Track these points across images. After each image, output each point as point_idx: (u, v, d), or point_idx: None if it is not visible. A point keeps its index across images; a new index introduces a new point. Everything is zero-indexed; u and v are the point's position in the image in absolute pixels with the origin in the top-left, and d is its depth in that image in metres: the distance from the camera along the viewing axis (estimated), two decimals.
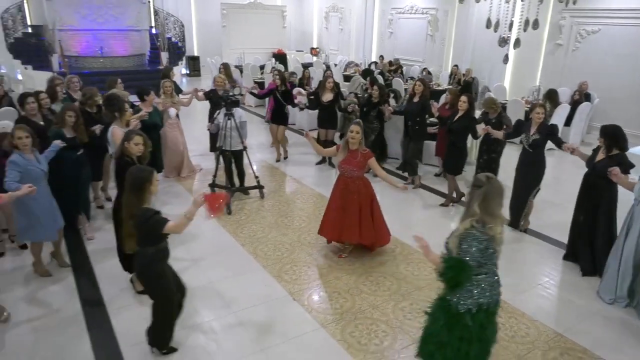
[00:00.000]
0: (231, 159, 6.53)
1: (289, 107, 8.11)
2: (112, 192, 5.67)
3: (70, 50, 14.95)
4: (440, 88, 11.97)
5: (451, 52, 14.10)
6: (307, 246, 5.31)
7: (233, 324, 3.96)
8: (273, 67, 14.92)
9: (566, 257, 5.16)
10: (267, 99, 8.66)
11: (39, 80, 13.51)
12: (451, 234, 2.80)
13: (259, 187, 6.62)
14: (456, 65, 12.63)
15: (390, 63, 14.20)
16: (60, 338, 3.74)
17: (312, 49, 19.65)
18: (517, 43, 6.50)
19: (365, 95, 8.25)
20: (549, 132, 5.42)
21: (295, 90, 8.22)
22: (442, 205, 6.55)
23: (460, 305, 2.76)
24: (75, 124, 5.00)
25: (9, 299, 4.13)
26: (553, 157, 9.12)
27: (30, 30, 15.43)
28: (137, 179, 3.16)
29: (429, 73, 13.47)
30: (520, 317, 4.09)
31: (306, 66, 14.50)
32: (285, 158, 8.43)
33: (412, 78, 13.10)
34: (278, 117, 8.06)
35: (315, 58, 18.34)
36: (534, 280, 4.79)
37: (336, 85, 8.05)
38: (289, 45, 19.52)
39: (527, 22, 6.46)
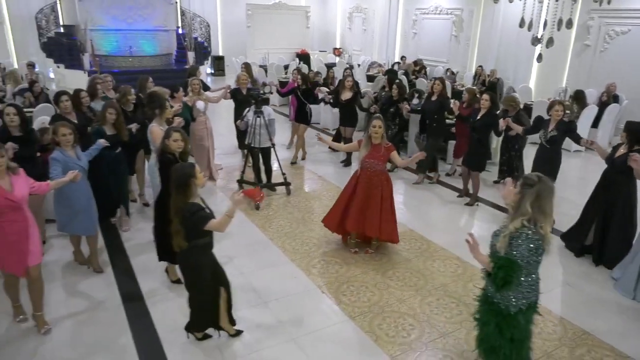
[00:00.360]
0: (259, 155, 6.69)
1: (312, 105, 8.24)
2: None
3: (100, 50, 15.36)
4: (464, 88, 11.94)
5: (475, 53, 14.05)
6: (334, 241, 5.42)
7: (264, 314, 4.10)
8: (297, 67, 15.13)
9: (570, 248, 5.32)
10: (290, 98, 8.76)
11: (70, 78, 13.95)
12: (494, 233, 2.85)
13: (286, 183, 6.76)
14: (480, 66, 12.59)
15: (415, 63, 14.22)
16: (100, 327, 3.92)
17: (335, 49, 19.77)
18: (551, 42, 6.50)
19: (383, 93, 8.34)
20: (567, 129, 5.55)
21: (318, 90, 8.34)
22: (467, 204, 6.59)
23: (511, 306, 2.80)
24: (116, 122, 5.12)
25: (51, 289, 4.32)
26: (579, 159, 9.08)
27: (62, 30, 15.89)
28: (181, 176, 3.20)
29: (453, 74, 13.46)
30: (547, 315, 4.12)
31: (330, 66, 14.63)
32: (303, 159, 8.45)
33: (436, 78, 13.11)
34: (299, 116, 8.20)
35: (338, 58, 18.45)
36: (558, 278, 4.82)
37: (355, 84, 8.17)
38: (311, 45, 19.67)
39: (560, 21, 6.47)
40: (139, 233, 5.52)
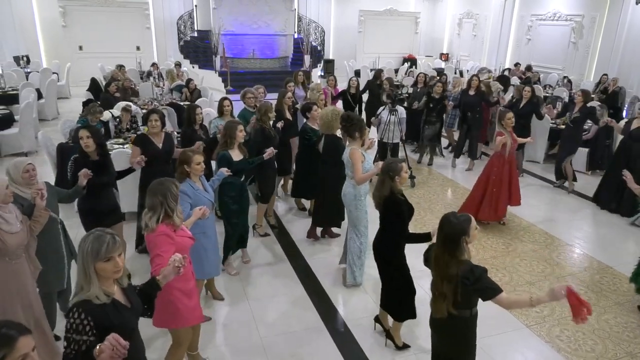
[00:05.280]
0: (388, 150, 7.41)
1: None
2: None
3: (227, 52, 17.08)
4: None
5: (595, 61, 13.68)
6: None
7: None
8: (410, 70, 15.72)
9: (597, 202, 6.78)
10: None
11: (201, 76, 15.70)
12: None
13: (411, 177, 7.43)
14: (605, 75, 12.30)
15: (528, 68, 14.17)
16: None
17: (442, 54, 20.03)
18: None
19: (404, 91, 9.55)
20: (589, 112, 7.01)
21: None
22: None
23: None
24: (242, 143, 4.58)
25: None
26: None
27: (196, 34, 17.90)
28: (457, 231, 2.61)
29: (569, 81, 13.23)
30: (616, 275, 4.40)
31: (439, 71, 15.04)
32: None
33: (550, 86, 13.04)
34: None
35: (444, 63, 18.73)
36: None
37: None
38: (418, 50, 20.13)
39: None
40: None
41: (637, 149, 6.25)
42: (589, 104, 7.15)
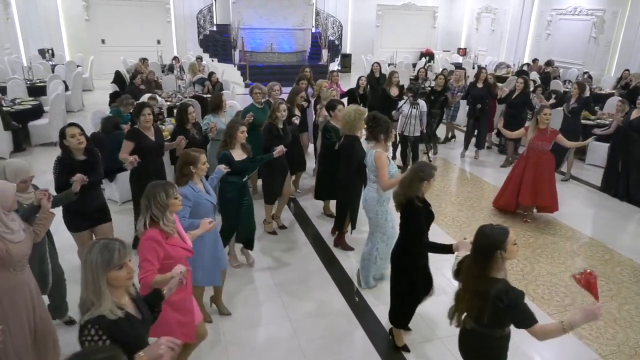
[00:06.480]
0: (408, 143, 7.51)
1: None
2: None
3: (246, 46, 17.26)
4: (602, 92, 11.74)
5: (616, 56, 13.56)
6: (482, 219, 6.09)
7: None
8: (428, 64, 15.73)
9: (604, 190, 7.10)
10: None
11: (221, 70, 15.88)
12: None
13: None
14: (627, 70, 12.20)
15: (548, 63, 14.09)
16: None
17: (460, 49, 19.96)
18: None
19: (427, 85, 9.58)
20: (585, 103, 7.47)
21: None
22: (502, 166, 8.13)
23: None
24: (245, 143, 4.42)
25: None
26: None
27: (215, 28, 18.09)
28: (490, 244, 2.42)
29: (590, 77, 13.14)
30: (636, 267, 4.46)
31: (457, 66, 15.03)
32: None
33: (569, 81, 12.97)
34: None
35: (462, 58, 18.68)
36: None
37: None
38: (435, 45, 20.10)
39: None
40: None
41: (637, 138, 6.62)
42: (585, 95, 7.69)
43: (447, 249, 3.16)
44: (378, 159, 4.08)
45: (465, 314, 2.54)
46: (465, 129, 8.96)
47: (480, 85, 8.33)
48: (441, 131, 9.51)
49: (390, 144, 4.37)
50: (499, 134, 8.41)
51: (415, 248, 3.43)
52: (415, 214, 3.33)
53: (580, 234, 5.83)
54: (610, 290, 4.63)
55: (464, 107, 9.05)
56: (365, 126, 4.40)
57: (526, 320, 2.35)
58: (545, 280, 4.77)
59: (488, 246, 2.41)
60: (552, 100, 8.51)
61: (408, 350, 3.76)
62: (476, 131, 8.49)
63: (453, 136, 9.86)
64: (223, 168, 3.96)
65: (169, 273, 2.58)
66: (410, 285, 3.54)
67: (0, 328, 2.36)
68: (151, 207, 2.72)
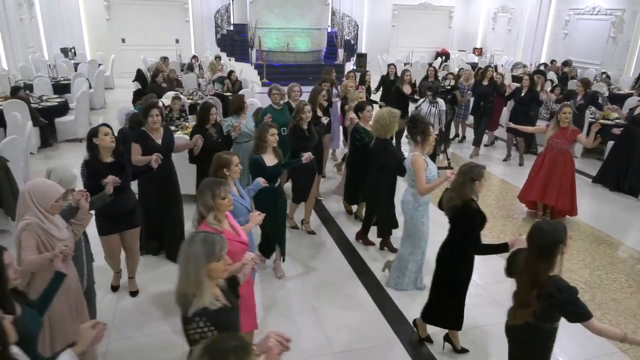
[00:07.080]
0: None
1: None
2: None
3: (263, 46, 17.44)
4: (621, 92, 11.68)
5: (635, 56, 13.46)
6: (501, 218, 6.16)
7: None
8: (444, 64, 15.76)
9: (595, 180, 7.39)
10: None
11: (239, 69, 16.07)
12: None
13: (450, 168, 7.60)
14: None
15: (566, 64, 14.05)
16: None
17: (475, 48, 19.93)
18: None
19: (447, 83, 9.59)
20: (592, 99, 7.93)
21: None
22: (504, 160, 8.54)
23: None
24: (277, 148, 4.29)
25: None
26: None
27: (232, 28, 18.30)
28: (557, 239, 2.43)
29: (608, 77, 13.07)
30: None
31: (473, 66, 15.03)
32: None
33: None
34: None
35: (478, 58, 18.64)
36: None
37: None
38: (451, 44, 20.10)
39: None
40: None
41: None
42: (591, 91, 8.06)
43: (502, 248, 3.13)
44: (415, 163, 4.01)
45: (529, 308, 2.50)
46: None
47: (485, 82, 8.49)
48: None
49: (429, 148, 4.18)
50: (509, 130, 8.43)
51: (471, 251, 3.39)
52: (473, 217, 3.26)
53: (599, 232, 5.86)
54: (630, 287, 4.68)
55: None
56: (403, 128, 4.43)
57: (581, 316, 2.40)
58: (565, 277, 4.81)
59: (552, 242, 2.43)
60: (557, 91, 8.88)
61: (431, 342, 3.85)
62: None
63: (464, 137, 9.80)
64: (262, 182, 3.80)
65: (238, 262, 2.57)
66: (461, 286, 3.55)
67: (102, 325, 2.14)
68: (198, 204, 2.78)
